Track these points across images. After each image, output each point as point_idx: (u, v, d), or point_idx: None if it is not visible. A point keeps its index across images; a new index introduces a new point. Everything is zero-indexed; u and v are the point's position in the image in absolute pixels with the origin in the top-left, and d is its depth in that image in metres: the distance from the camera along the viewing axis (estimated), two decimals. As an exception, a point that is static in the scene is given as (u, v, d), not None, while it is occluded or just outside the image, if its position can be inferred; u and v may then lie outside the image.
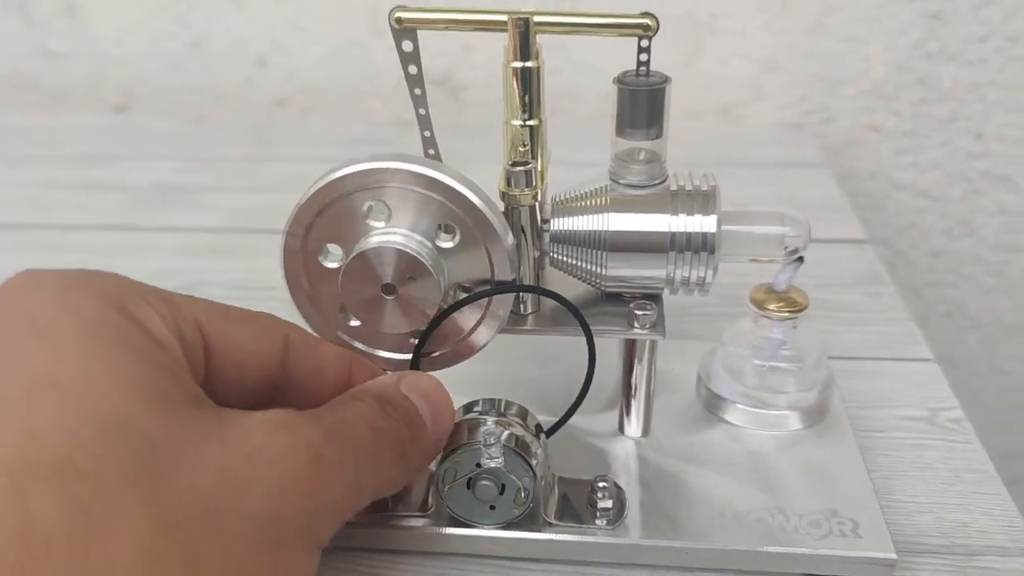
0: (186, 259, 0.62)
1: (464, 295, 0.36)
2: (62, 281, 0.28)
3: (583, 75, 0.84)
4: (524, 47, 0.35)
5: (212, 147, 0.82)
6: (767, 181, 0.71)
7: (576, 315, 0.36)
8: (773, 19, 0.80)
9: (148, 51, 0.89)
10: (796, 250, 0.37)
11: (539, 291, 0.37)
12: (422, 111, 0.37)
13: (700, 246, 0.36)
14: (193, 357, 0.29)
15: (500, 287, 0.35)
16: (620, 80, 0.35)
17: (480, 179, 0.35)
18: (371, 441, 0.30)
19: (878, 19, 0.78)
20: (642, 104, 0.35)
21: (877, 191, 0.86)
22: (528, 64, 0.35)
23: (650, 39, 0.34)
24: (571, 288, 0.39)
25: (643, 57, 0.35)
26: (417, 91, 0.37)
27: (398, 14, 0.35)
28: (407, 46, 0.36)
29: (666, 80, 0.35)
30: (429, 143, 0.38)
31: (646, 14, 0.34)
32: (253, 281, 0.58)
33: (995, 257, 0.88)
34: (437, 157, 0.38)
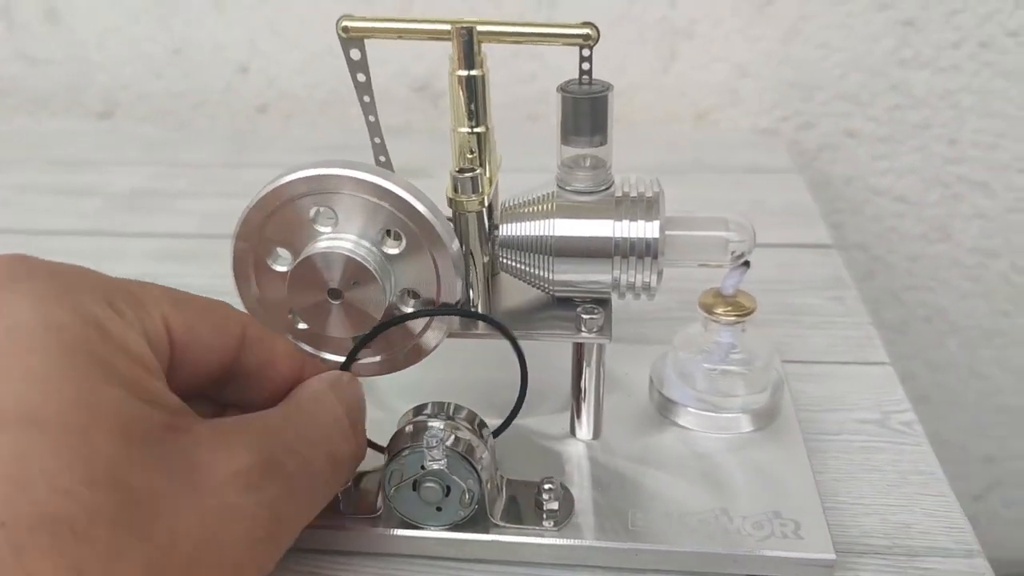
0: (161, 264, 0.62)
1: (411, 300, 0.36)
2: (38, 287, 0.27)
3: (551, 80, 0.85)
4: (468, 56, 0.35)
5: (193, 153, 0.82)
6: (737, 186, 0.71)
7: (503, 332, 0.36)
8: (749, 25, 0.80)
9: (130, 57, 0.89)
10: (742, 255, 0.38)
11: (465, 313, 0.37)
12: (371, 118, 0.38)
13: (644, 251, 0.36)
14: (160, 356, 0.30)
15: (429, 310, 0.36)
16: (563, 89, 0.36)
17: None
18: (330, 474, 0.32)
19: (852, 26, 0.79)
20: (585, 112, 0.36)
21: (854, 196, 0.87)
22: (473, 72, 0.36)
23: (591, 48, 0.35)
24: (522, 293, 0.40)
25: (585, 66, 0.35)
26: (366, 98, 0.37)
27: (345, 23, 0.36)
28: (355, 54, 0.36)
29: (608, 88, 0.36)
30: (380, 150, 0.38)
31: (587, 24, 0.34)
32: (226, 286, 0.58)
33: (972, 261, 0.88)
34: (388, 163, 0.39)
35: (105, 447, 0.24)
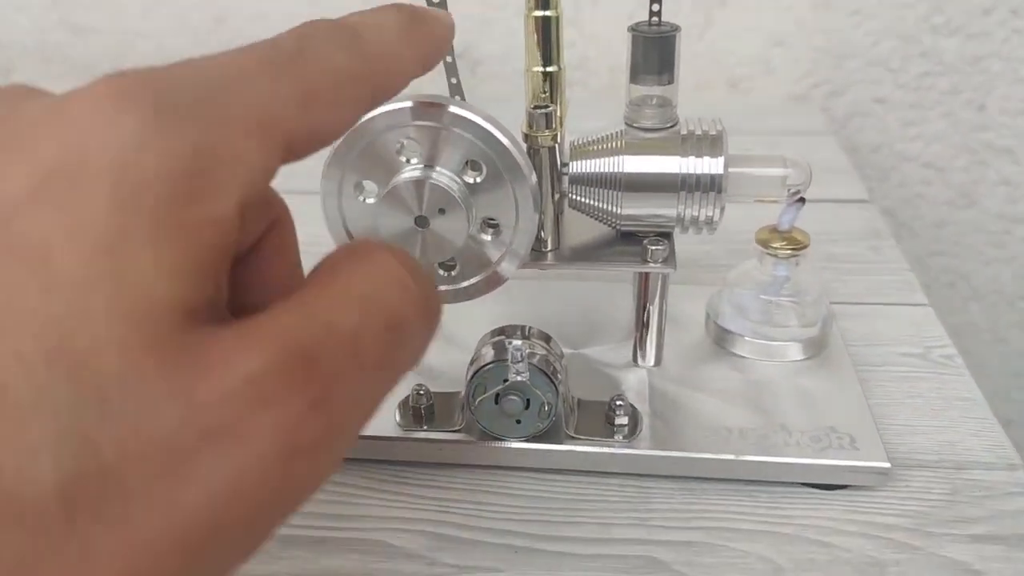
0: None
1: (490, 229, 0.38)
2: (150, 116, 0.19)
3: (595, 48, 0.87)
4: (544, -4, 0.38)
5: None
6: (774, 148, 0.73)
7: None
8: (781, -6, 0.83)
9: (173, 26, 0.92)
10: (798, 191, 0.40)
11: None
12: (453, 80, 0.40)
13: (708, 186, 0.39)
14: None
15: None
16: (634, 29, 0.38)
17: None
18: (391, 350, 0.22)
19: (883, -8, 0.81)
20: (654, 52, 0.38)
21: (882, 162, 0.89)
22: (547, 13, 0.38)
23: (662, -9, 0.37)
24: (588, 229, 0.42)
25: (655, 7, 0.38)
26: (448, 59, 0.40)
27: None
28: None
29: (676, 29, 0.38)
30: (456, 90, 0.41)
31: (660, -34, 0.37)
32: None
33: (997, 227, 0.90)
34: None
35: (101, 326, 0.18)
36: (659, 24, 0.38)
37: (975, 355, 0.97)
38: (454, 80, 0.41)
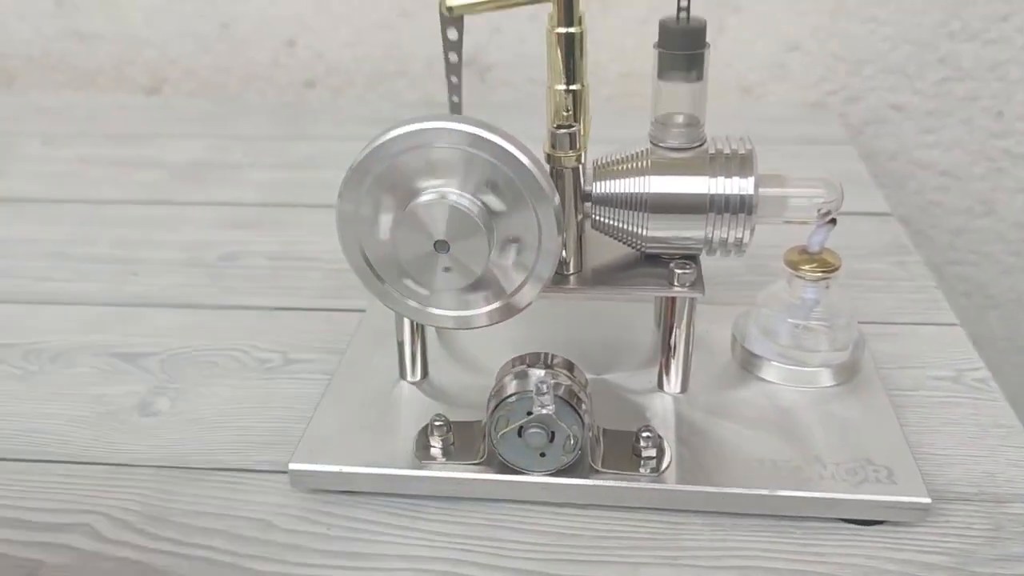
0: (224, 231, 0.63)
1: (514, 253, 0.37)
2: None
3: (606, 55, 0.85)
4: (568, 12, 0.36)
5: (244, 126, 0.83)
6: (792, 157, 0.72)
7: None
8: (796, 0, 0.81)
9: (178, 33, 0.90)
10: (828, 212, 0.39)
11: None
12: (455, 99, 0.39)
13: (738, 207, 0.37)
14: None
15: None
16: (663, 24, 0.37)
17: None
18: None
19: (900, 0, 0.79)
20: (683, 46, 0.37)
21: (899, 170, 0.87)
22: (571, 30, 0.37)
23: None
24: (611, 251, 0.41)
25: (683, 3, 0.36)
26: (454, 79, 0.38)
27: (449, 3, 0.37)
28: (452, 34, 0.37)
29: (704, 24, 0.37)
30: (456, 108, 0.39)
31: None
32: (291, 252, 0.59)
33: (1016, 235, 0.89)
34: None
35: None
36: (688, 20, 0.37)
37: (991, 364, 0.95)
38: (455, 99, 0.39)
